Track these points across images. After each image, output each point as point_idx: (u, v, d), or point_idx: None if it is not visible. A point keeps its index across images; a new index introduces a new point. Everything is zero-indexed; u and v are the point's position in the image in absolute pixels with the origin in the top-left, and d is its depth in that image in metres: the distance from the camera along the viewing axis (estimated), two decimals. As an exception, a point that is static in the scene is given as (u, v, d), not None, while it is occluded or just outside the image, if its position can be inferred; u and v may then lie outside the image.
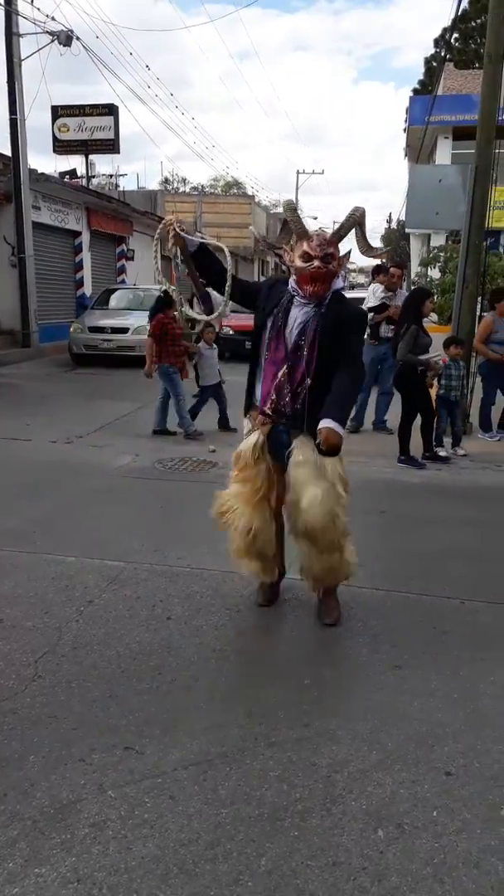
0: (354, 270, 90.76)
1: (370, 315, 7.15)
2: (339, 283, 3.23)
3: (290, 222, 3.23)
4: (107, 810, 2.22)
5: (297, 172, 47.21)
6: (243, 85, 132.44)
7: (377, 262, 8.15)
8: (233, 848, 2.08)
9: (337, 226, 3.43)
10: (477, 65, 32.30)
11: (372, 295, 7.82)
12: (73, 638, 3.22)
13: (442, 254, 21.23)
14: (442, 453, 6.60)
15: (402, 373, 6.42)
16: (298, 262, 3.12)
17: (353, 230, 3.24)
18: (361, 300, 7.51)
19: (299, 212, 3.34)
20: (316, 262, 3.06)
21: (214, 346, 7.70)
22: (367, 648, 3.21)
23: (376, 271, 8.74)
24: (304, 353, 3.11)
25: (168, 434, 7.50)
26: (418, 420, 6.49)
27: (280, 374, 3.17)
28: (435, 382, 6.56)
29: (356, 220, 3.21)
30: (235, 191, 45.17)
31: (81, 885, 1.95)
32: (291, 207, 3.35)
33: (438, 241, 23.83)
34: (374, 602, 3.69)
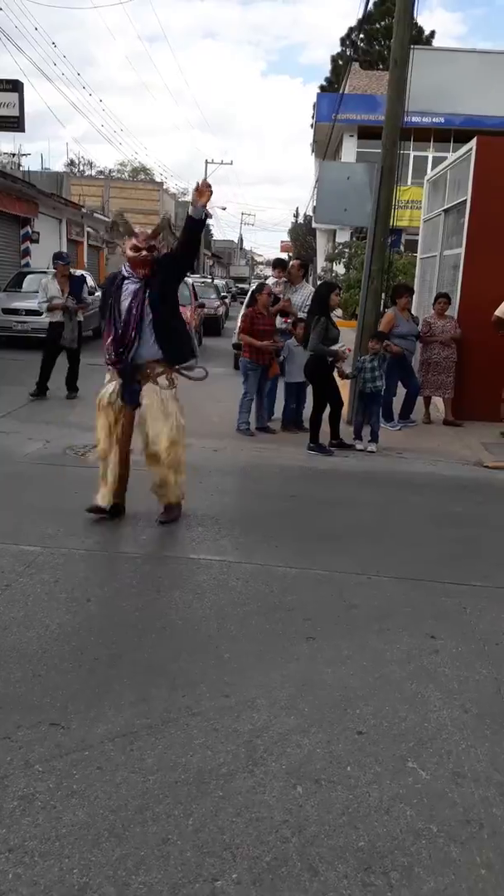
0: (262, 263, 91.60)
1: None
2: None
3: (120, 225, 4.58)
4: (35, 783, 2.25)
5: (206, 162, 47.08)
6: (152, 69, 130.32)
7: (287, 254, 8.30)
8: (161, 811, 2.18)
9: (154, 226, 4.61)
10: (381, 66, 33.27)
11: (275, 289, 7.99)
12: (-9, 621, 3.20)
13: (347, 250, 21.89)
14: (359, 447, 6.86)
15: (312, 363, 6.63)
16: (130, 253, 4.33)
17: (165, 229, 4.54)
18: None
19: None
20: (143, 252, 4.30)
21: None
22: (283, 623, 3.36)
23: (275, 265, 8.94)
24: (134, 313, 4.29)
25: (269, 432, 7.37)
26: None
27: (118, 332, 4.34)
28: (343, 370, 6.81)
29: (168, 222, 4.67)
30: (143, 177, 44.55)
31: (13, 854, 1.99)
32: (120, 214, 4.85)
33: (344, 237, 24.52)
34: (287, 579, 3.85)
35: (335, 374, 6.69)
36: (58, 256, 9.07)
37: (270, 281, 8.06)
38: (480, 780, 2.37)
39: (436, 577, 4.02)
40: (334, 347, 6.57)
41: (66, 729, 2.52)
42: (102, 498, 4.52)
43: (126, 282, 4.37)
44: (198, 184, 4.28)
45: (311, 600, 3.62)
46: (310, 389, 7.13)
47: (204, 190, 4.22)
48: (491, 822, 2.19)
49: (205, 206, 4.29)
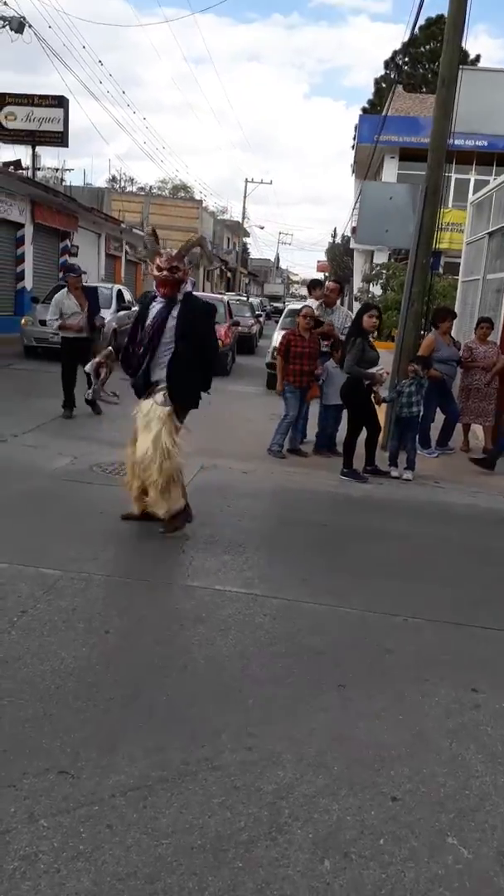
0: (297, 282, 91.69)
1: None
2: (188, 287, 4.60)
3: (148, 243, 4.82)
4: (38, 841, 2.07)
5: (246, 181, 47.61)
6: (196, 90, 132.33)
7: (323, 274, 8.20)
8: (174, 882, 1.97)
9: (183, 244, 4.72)
10: (424, 89, 33.22)
11: (317, 311, 7.82)
12: (4, 651, 3.04)
13: (384, 271, 21.68)
14: (394, 473, 6.63)
15: (348, 386, 6.43)
16: (154, 272, 4.46)
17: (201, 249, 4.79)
18: (296, 311, 7.72)
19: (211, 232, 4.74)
20: (165, 272, 4.39)
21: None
22: (312, 667, 3.14)
23: (312, 286, 8.78)
24: (150, 332, 4.42)
25: (301, 454, 7.23)
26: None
27: (135, 349, 4.54)
28: (381, 395, 6.59)
29: (195, 243, 4.76)
30: (183, 194, 44.98)
31: (9, 926, 1.80)
32: (152, 232, 5.02)
33: (381, 258, 24.32)
34: (316, 618, 3.63)
35: (372, 398, 6.47)
36: (69, 269, 8.85)
37: (312, 303, 7.89)
38: (530, 864, 2.13)
39: (476, 621, 3.77)
40: (372, 370, 6.36)
41: (76, 779, 2.34)
42: (135, 507, 4.71)
43: (154, 301, 4.55)
44: None
45: (342, 643, 3.40)
46: (346, 413, 6.92)
47: None
48: (543, 916, 1.95)
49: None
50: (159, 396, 4.45)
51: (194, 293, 4.86)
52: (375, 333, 6.70)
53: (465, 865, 2.10)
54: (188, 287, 4.60)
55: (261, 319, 24.64)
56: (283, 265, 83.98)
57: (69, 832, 2.11)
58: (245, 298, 23.90)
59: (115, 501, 5.07)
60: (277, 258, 78.79)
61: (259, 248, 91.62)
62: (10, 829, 2.10)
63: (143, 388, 4.54)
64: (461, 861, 2.12)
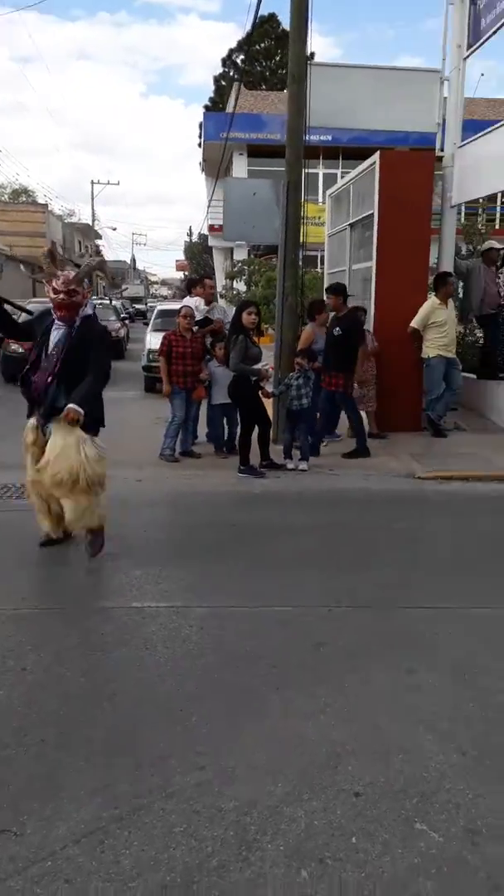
0: (156, 283, 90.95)
1: (195, 329, 7.08)
2: (87, 310, 4.38)
3: (45, 266, 4.45)
4: (-11, 916, 1.85)
5: (92, 182, 46.48)
6: (28, 89, 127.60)
7: (182, 273, 8.24)
8: (149, 929, 1.83)
9: (82, 267, 4.64)
10: (264, 86, 33.92)
11: (195, 310, 7.74)
12: None
13: (246, 267, 21.89)
14: (290, 466, 6.67)
15: (235, 384, 6.39)
16: (51, 294, 4.25)
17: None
18: (174, 312, 7.71)
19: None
20: (62, 295, 4.20)
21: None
22: (247, 673, 3.06)
23: (191, 284, 8.70)
24: (54, 360, 4.23)
25: (194, 456, 7.10)
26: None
27: (41, 376, 4.27)
28: (268, 390, 6.61)
29: (93, 268, 4.86)
30: (25, 198, 43.17)
31: None
32: (49, 252, 4.64)
33: (241, 254, 24.55)
34: (243, 622, 3.55)
35: (260, 393, 6.47)
36: None
37: (191, 301, 7.78)
38: (498, 836, 2.15)
39: (398, 602, 3.83)
40: (257, 366, 6.36)
41: (20, 835, 2.12)
42: (52, 530, 4.48)
43: (55, 324, 4.32)
44: None
45: (273, 643, 3.33)
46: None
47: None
48: (520, 885, 1.97)
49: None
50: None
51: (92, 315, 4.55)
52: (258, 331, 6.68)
53: (439, 850, 2.10)
54: (88, 310, 4.38)
55: (126, 323, 24.20)
56: (140, 266, 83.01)
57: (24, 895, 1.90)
58: (109, 302, 23.32)
59: (10, 526, 4.74)
60: (133, 259, 77.76)
61: (113, 250, 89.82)
62: (-46, 908, 1.87)
63: (49, 416, 4.23)
64: (434, 846, 2.11)
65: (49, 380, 4.22)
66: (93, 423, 4.28)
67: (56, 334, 4.28)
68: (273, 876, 1.99)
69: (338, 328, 7.14)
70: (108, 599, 3.80)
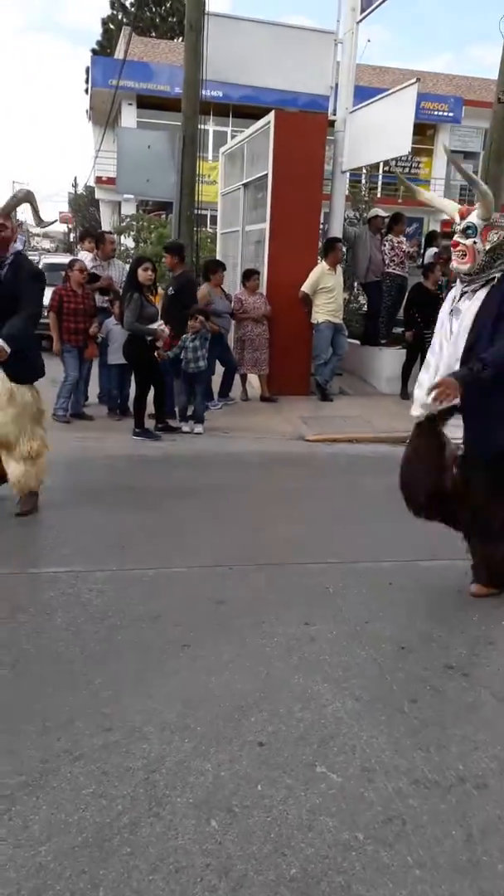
0: (38, 235, 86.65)
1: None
2: (17, 246, 4.29)
3: None
4: None
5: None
6: None
7: (66, 226, 8.03)
8: (63, 888, 1.84)
9: (8, 200, 4.25)
10: (154, 33, 32.61)
11: (91, 264, 7.47)
12: None
13: (135, 223, 21.27)
14: (185, 428, 6.65)
15: (130, 343, 6.27)
16: None
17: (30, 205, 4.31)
18: (61, 266, 7.47)
19: None
20: None
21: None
22: (153, 632, 3.09)
23: (83, 237, 8.39)
24: None
25: (86, 418, 6.95)
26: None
27: None
28: (164, 351, 6.53)
29: (20, 199, 4.27)
30: None
31: None
32: None
33: (129, 209, 23.81)
34: (144, 584, 3.56)
35: (156, 354, 6.39)
36: None
37: (84, 256, 7.49)
38: (390, 772, 2.32)
39: (292, 559, 3.97)
40: (152, 326, 6.26)
41: None
42: None
43: None
44: None
45: (175, 602, 3.37)
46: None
47: None
48: (411, 815, 2.15)
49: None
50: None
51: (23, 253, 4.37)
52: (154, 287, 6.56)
53: (338, 789, 2.24)
54: (18, 246, 4.26)
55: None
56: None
57: None
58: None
59: None
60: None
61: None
62: None
63: None
64: (334, 786, 2.25)
65: None
66: (29, 369, 4.22)
67: None
68: (183, 828, 2.06)
69: (171, 287, 7.13)
70: (2, 566, 3.68)
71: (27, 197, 4.33)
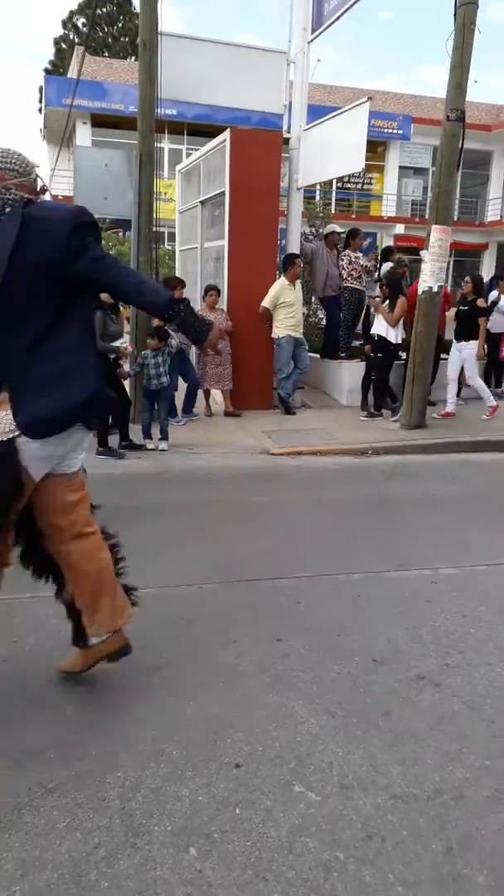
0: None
1: None
2: None
3: None
4: None
5: None
6: None
7: None
8: (39, 928, 1.79)
9: None
10: (106, 53, 32.72)
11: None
12: None
13: (93, 240, 21.18)
14: (150, 446, 6.60)
15: (92, 362, 6.21)
16: None
17: None
18: None
19: None
20: None
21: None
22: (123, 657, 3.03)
23: None
24: None
25: None
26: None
27: None
28: (125, 369, 6.49)
29: None
30: None
31: None
32: None
33: (87, 227, 23.71)
34: (113, 605, 3.50)
35: (118, 372, 6.34)
36: None
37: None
38: (367, 788, 2.31)
39: (261, 574, 3.95)
40: (115, 344, 6.22)
41: None
42: None
43: None
44: None
45: (145, 624, 3.29)
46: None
47: None
48: (391, 831, 2.14)
49: None
50: None
51: None
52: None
53: (317, 808, 2.22)
54: None
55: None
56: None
57: None
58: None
59: None
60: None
61: None
62: None
63: None
64: (312, 805, 2.23)
65: None
66: None
67: None
68: (162, 857, 2.02)
69: None
70: (-35, 593, 3.58)
71: None
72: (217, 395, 8.50)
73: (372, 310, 8.38)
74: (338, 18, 8.16)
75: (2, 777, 2.29)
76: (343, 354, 9.46)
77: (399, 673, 2.99)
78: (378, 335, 7.97)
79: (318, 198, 16.37)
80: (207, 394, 8.35)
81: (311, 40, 8.81)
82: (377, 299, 8.16)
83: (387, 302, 7.87)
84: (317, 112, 9.20)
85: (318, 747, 2.51)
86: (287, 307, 8.23)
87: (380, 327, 7.92)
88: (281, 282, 8.27)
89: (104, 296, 6.14)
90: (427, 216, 9.54)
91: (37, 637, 3.17)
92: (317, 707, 2.74)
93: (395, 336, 7.83)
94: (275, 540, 4.56)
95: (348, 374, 9.04)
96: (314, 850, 2.06)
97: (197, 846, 2.06)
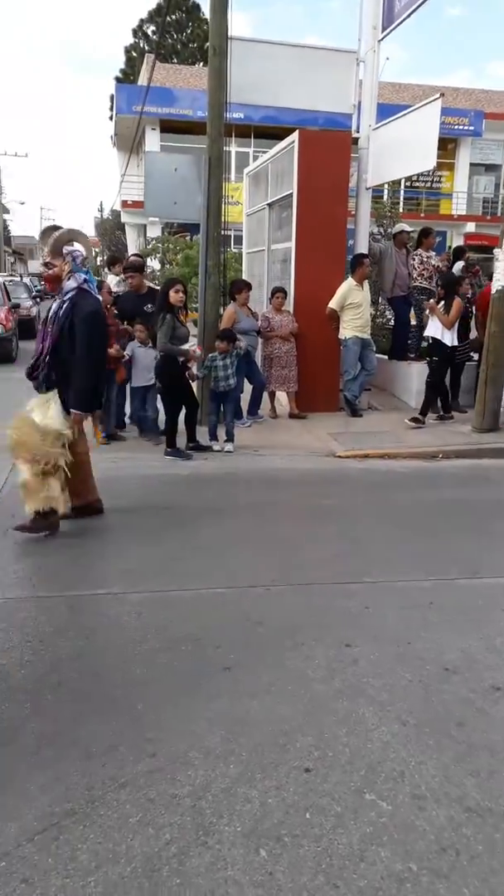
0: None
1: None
2: (70, 283, 4.39)
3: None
4: None
5: (-1, 154, 44.33)
6: None
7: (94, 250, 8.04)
8: (113, 920, 1.82)
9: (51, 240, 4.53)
10: (175, 59, 33.21)
11: (116, 288, 7.57)
12: None
13: (161, 245, 21.53)
14: (216, 447, 6.66)
15: (162, 364, 6.30)
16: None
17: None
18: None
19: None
20: (43, 267, 4.69)
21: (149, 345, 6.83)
22: (192, 655, 3.06)
23: (112, 262, 8.51)
24: (47, 333, 4.40)
25: (118, 439, 6.95)
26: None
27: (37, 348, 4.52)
28: (194, 371, 6.56)
29: (62, 241, 4.48)
30: None
31: None
32: (47, 229, 4.83)
33: (155, 232, 24.13)
34: (182, 605, 3.55)
35: (186, 374, 6.42)
36: None
37: (111, 280, 7.59)
38: (441, 800, 2.26)
39: (329, 578, 3.92)
40: (183, 346, 6.29)
41: (-30, 838, 2.05)
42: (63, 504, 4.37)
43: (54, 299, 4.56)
44: None
45: (214, 624, 3.35)
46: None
47: None
48: (465, 845, 2.08)
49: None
50: (53, 409, 4.33)
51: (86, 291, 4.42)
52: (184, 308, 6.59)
53: (389, 817, 2.18)
54: (72, 283, 4.37)
55: (38, 300, 23.35)
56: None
57: (-21, 901, 1.85)
58: (20, 279, 22.40)
59: None
60: (42, 233, 74.78)
61: (21, 225, 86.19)
62: None
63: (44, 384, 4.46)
64: (384, 815, 2.20)
65: (42, 353, 4.41)
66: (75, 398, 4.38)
67: (51, 307, 4.48)
68: (232, 858, 2.02)
69: (149, 305, 7.11)
70: (41, 589, 3.69)
71: (71, 235, 4.49)
72: (282, 397, 8.50)
73: (426, 312, 8.19)
74: (409, 16, 8.04)
75: (76, 769, 2.34)
76: (412, 356, 9.30)
77: (473, 683, 2.91)
78: (433, 337, 7.79)
79: (385, 197, 16.19)
80: (272, 395, 8.35)
81: (382, 38, 8.70)
82: (432, 301, 7.99)
83: (442, 303, 7.69)
84: (385, 111, 9.08)
85: (389, 755, 2.47)
86: (354, 308, 8.15)
87: (434, 329, 7.73)
88: (348, 282, 8.20)
89: (174, 298, 6.25)
90: (500, 213, 9.26)
91: (107, 634, 3.23)
92: (388, 715, 2.70)
93: (449, 338, 7.62)
94: (343, 544, 4.52)
95: (417, 376, 8.87)
96: (386, 860, 2.02)
97: (267, 848, 2.06)
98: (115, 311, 6.96)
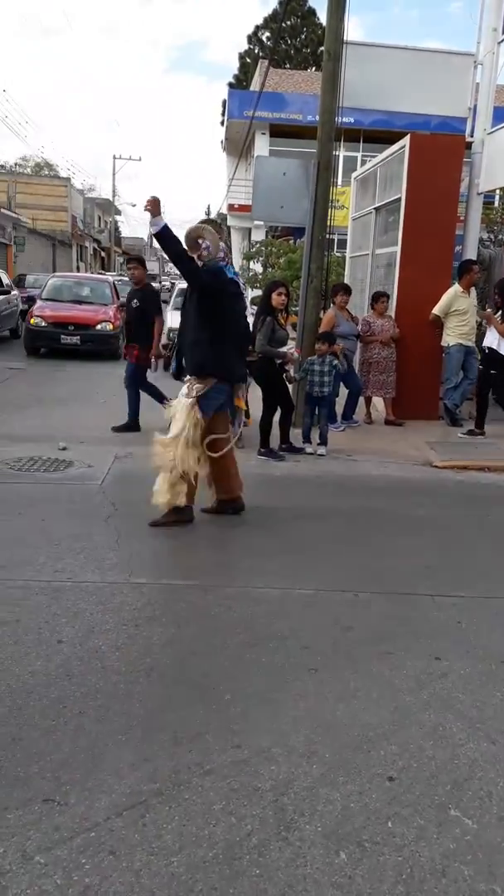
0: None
1: None
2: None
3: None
4: (39, 881, 1.89)
5: (114, 158, 45.96)
6: (53, 62, 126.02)
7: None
8: (194, 901, 1.87)
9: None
10: (288, 65, 33.44)
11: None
12: (-50, 676, 2.77)
13: (264, 248, 21.74)
14: (308, 450, 6.68)
15: (260, 365, 6.38)
16: None
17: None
18: None
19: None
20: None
21: None
22: (280, 653, 3.09)
23: None
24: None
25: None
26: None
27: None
28: (291, 374, 6.60)
29: (194, 236, 4.60)
30: (47, 172, 42.94)
31: None
32: (195, 229, 4.68)
33: (259, 235, 24.40)
34: (271, 603, 3.59)
35: (284, 377, 6.47)
36: None
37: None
38: (530, 824, 2.19)
39: (421, 589, 3.86)
40: (283, 349, 6.34)
41: (64, 805, 2.16)
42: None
43: None
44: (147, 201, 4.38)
45: (303, 625, 3.37)
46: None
47: (147, 204, 4.36)
48: None
49: (155, 217, 4.36)
50: (184, 388, 4.63)
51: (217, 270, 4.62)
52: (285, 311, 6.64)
53: (474, 836, 2.13)
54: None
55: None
56: (156, 244, 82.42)
57: (70, 866, 1.95)
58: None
59: (34, 499, 4.78)
60: (150, 236, 77.13)
61: (132, 227, 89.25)
62: (4, 871, 1.91)
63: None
64: (469, 832, 2.15)
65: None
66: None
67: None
68: (312, 857, 2.03)
69: (135, 300, 7.22)
70: (137, 575, 3.82)
71: (197, 231, 4.61)
72: (378, 403, 8.40)
73: (483, 322, 7.84)
74: (533, 15, 7.77)
75: (164, 752, 2.42)
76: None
77: None
78: (489, 347, 7.46)
79: (497, 203, 15.70)
80: (369, 401, 8.27)
81: (502, 40, 8.46)
82: (488, 310, 7.64)
83: (500, 312, 7.35)
84: (501, 114, 8.82)
85: (476, 773, 2.41)
86: (460, 315, 7.96)
87: (491, 339, 7.39)
88: (454, 289, 8.02)
89: (276, 301, 6.31)
90: None
91: (198, 624, 3.31)
92: (477, 732, 2.63)
93: None
94: (436, 555, 4.43)
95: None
96: (469, 879, 1.98)
97: (347, 852, 2.05)
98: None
